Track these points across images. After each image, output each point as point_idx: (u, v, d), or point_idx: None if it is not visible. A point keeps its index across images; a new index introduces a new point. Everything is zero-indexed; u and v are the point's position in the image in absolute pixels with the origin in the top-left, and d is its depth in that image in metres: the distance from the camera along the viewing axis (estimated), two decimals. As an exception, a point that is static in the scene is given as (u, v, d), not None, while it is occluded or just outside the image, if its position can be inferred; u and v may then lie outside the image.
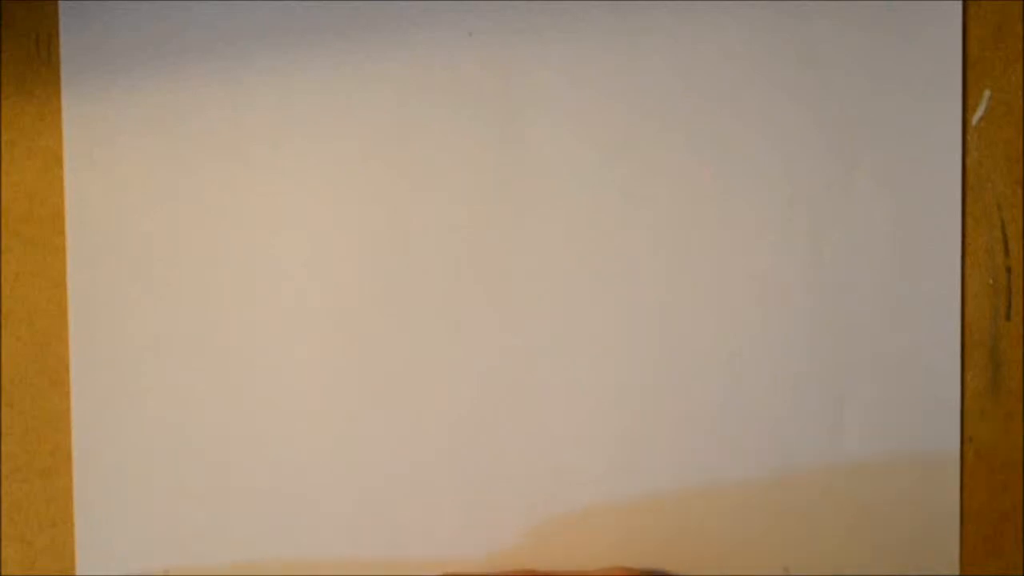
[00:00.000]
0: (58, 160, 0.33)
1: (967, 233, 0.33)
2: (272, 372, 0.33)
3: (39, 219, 0.33)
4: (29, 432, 0.33)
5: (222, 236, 0.33)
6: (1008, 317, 0.33)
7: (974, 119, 0.32)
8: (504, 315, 0.32)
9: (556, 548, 0.32)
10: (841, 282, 0.33)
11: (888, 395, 0.33)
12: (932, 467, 0.33)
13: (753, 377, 0.33)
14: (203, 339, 0.32)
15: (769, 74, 0.32)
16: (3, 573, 0.33)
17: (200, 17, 0.32)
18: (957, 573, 0.33)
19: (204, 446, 0.33)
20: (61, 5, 0.32)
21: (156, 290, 0.32)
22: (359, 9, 0.32)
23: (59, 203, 0.33)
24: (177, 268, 0.33)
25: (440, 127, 0.32)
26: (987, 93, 0.32)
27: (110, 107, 0.32)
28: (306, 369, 0.33)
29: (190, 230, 0.33)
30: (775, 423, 0.33)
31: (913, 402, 0.33)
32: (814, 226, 0.32)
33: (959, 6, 0.32)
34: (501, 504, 0.32)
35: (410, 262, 0.32)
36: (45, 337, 0.32)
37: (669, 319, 0.32)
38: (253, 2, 0.32)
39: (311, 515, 0.32)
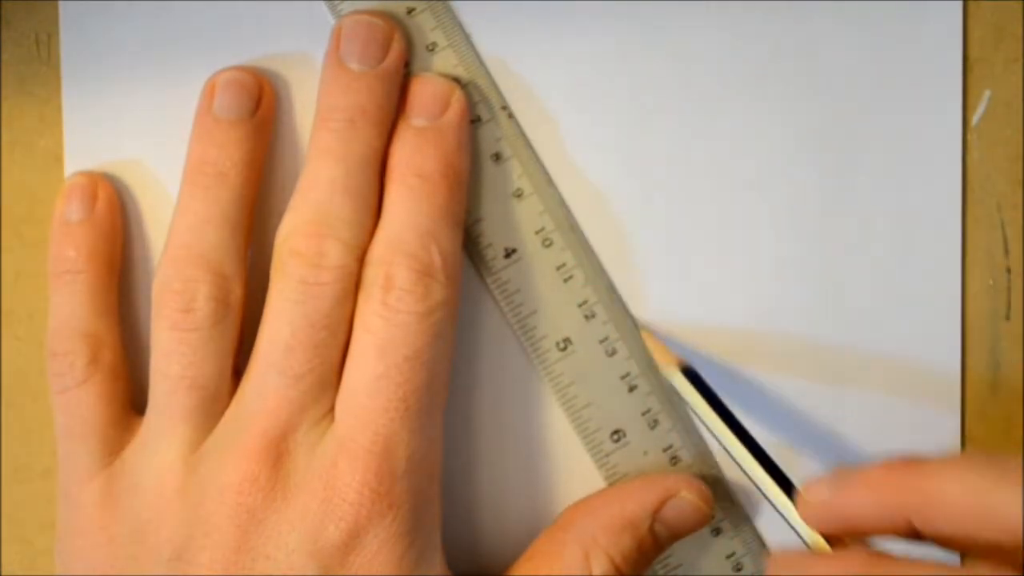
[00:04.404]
0: (58, 161, 0.33)
1: (967, 233, 0.33)
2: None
3: (39, 219, 0.33)
4: (29, 432, 0.33)
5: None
6: (1008, 317, 0.33)
7: (974, 119, 0.32)
8: (498, 313, 0.32)
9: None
10: (840, 282, 0.33)
11: (888, 395, 0.33)
12: (932, 467, 0.33)
13: (752, 377, 0.33)
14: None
15: (767, 74, 0.32)
16: (3, 573, 0.33)
17: (203, 17, 0.32)
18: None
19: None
20: (61, 5, 0.32)
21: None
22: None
23: (59, 203, 0.33)
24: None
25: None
26: (987, 93, 0.32)
27: (110, 107, 0.32)
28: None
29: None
30: (775, 423, 0.33)
31: (913, 402, 0.33)
32: (813, 226, 0.32)
33: (959, 6, 0.32)
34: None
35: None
36: (45, 337, 0.32)
37: (666, 318, 0.32)
38: (256, 2, 0.32)
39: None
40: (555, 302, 0.32)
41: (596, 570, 0.30)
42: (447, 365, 0.30)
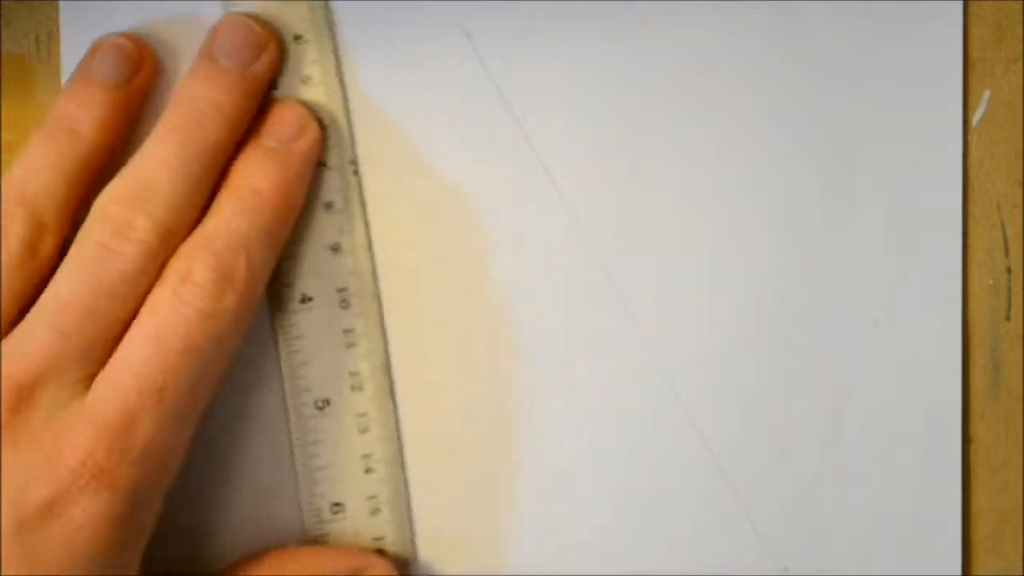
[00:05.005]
0: (58, 161, 0.33)
1: (967, 233, 0.33)
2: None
3: (39, 219, 0.33)
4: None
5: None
6: (1008, 317, 0.33)
7: (974, 119, 0.32)
8: (500, 313, 0.32)
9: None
10: (840, 282, 0.33)
11: (888, 395, 0.33)
12: (932, 467, 0.33)
13: (752, 378, 0.33)
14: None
15: (768, 74, 0.32)
16: (4, 573, 0.33)
17: (203, 18, 0.32)
18: (957, 573, 0.33)
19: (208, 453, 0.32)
20: (61, 5, 0.32)
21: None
22: (359, 9, 0.32)
23: (59, 203, 0.33)
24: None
25: (440, 127, 0.32)
26: (987, 93, 0.32)
27: (110, 107, 0.32)
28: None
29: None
30: (774, 423, 0.33)
31: (913, 402, 0.33)
32: (813, 226, 0.32)
33: (959, 6, 0.32)
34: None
35: (412, 262, 0.32)
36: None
37: (666, 318, 0.32)
38: (257, 2, 0.32)
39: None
40: (329, 362, 0.32)
41: None
42: (216, 376, 0.29)
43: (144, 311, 0.29)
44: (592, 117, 0.32)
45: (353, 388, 0.32)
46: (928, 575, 0.32)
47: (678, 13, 0.32)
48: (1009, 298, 0.33)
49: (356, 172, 0.32)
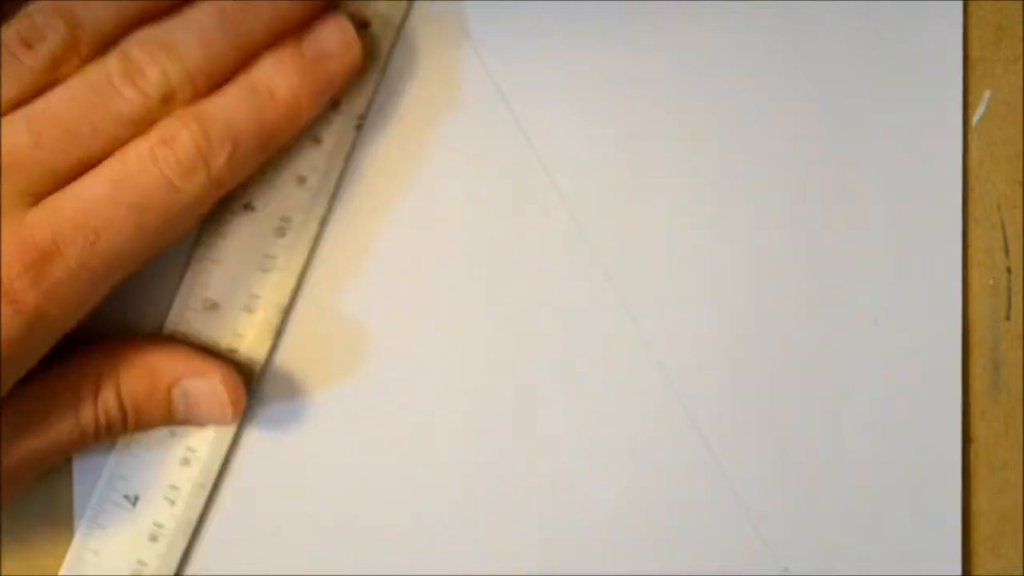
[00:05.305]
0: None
1: (967, 233, 0.33)
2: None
3: (39, 219, 0.33)
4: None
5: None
6: (1008, 317, 0.33)
7: (974, 119, 0.33)
8: (500, 313, 0.32)
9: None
10: (840, 282, 0.33)
11: (888, 395, 0.33)
12: (932, 467, 0.33)
13: (752, 378, 0.33)
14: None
15: (768, 74, 0.32)
16: (3, 573, 0.33)
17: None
18: (957, 573, 0.33)
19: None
20: (61, 5, 0.32)
21: (151, 285, 0.32)
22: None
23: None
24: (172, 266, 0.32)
25: (439, 126, 0.32)
26: (987, 93, 0.32)
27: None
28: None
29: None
30: (774, 423, 0.33)
31: (913, 402, 0.33)
32: (813, 226, 0.32)
33: (959, 6, 0.32)
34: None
35: (410, 263, 0.32)
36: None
37: (666, 318, 0.32)
38: (253, 2, 0.32)
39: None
40: (237, 274, 0.31)
41: (101, 396, 0.30)
42: (150, 248, 0.29)
43: (116, 156, 0.28)
44: (592, 117, 0.32)
45: (245, 308, 0.31)
46: (928, 575, 0.33)
47: (679, 13, 0.32)
48: (1009, 298, 0.33)
49: (359, 127, 0.32)
